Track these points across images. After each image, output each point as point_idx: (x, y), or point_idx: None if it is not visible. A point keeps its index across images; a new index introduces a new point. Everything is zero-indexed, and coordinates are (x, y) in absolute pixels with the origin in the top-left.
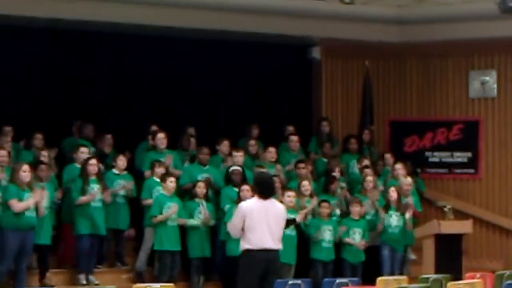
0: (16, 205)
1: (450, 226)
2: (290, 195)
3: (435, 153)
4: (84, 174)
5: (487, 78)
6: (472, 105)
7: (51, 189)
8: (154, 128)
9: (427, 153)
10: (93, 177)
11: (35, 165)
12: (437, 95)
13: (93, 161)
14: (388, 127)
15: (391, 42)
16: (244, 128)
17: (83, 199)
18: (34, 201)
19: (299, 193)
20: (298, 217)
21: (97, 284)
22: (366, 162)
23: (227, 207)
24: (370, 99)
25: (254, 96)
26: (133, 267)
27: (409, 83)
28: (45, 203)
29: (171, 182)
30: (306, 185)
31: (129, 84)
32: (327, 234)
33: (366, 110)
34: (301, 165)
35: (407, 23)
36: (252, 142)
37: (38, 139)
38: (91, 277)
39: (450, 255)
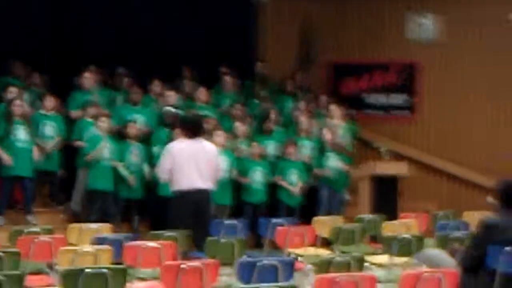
0: None
1: (386, 167)
2: (220, 135)
3: (372, 95)
4: (8, 115)
5: (424, 21)
6: (409, 47)
7: None
8: (86, 67)
9: (364, 95)
10: (18, 118)
11: None
12: (375, 37)
13: (18, 102)
14: (326, 69)
15: None
16: (179, 68)
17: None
18: None
19: (233, 134)
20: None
21: (34, 224)
22: (301, 104)
23: (157, 148)
24: (310, 40)
25: (193, 36)
26: (67, 207)
27: (348, 25)
28: None
29: (103, 122)
30: (239, 126)
31: (63, 21)
32: (257, 175)
33: (307, 52)
34: (238, 106)
35: None
36: (186, 82)
37: None
38: (29, 217)
39: (386, 196)
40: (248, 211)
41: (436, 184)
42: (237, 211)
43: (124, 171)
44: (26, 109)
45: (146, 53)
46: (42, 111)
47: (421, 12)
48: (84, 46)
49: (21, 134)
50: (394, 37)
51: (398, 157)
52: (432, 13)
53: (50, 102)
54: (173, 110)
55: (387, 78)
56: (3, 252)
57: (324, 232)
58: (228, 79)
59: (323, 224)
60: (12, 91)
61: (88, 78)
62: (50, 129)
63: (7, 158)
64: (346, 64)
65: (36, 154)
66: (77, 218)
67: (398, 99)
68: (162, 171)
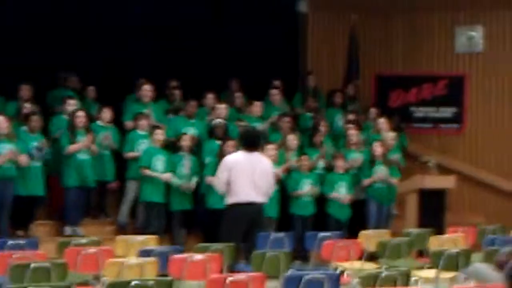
0: None
1: (434, 181)
2: (272, 148)
3: (420, 108)
4: (71, 126)
5: (473, 33)
6: (458, 60)
7: (42, 140)
8: (141, 80)
9: (412, 108)
10: (80, 129)
11: (25, 116)
12: (423, 50)
13: (81, 113)
14: (373, 82)
15: None
16: (228, 81)
17: (73, 147)
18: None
19: (284, 147)
20: (277, 171)
21: (83, 236)
22: (350, 116)
23: (208, 160)
24: (356, 53)
25: (241, 49)
26: (116, 219)
27: (395, 38)
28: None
29: (159, 135)
30: (292, 139)
31: (117, 35)
32: (307, 188)
33: (352, 64)
34: (285, 119)
35: None
36: (237, 94)
37: (24, 90)
38: (77, 229)
39: (433, 210)
40: (297, 224)
41: (484, 198)
42: (285, 224)
43: (176, 181)
44: (87, 121)
45: (197, 66)
46: (100, 123)
47: (470, 25)
48: (135, 59)
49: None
50: (442, 49)
51: (446, 170)
52: (480, 25)
53: (107, 114)
54: (223, 122)
55: (435, 90)
56: (51, 263)
57: (371, 246)
58: (276, 92)
59: (370, 238)
60: (71, 103)
61: (147, 91)
62: (110, 139)
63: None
64: (394, 76)
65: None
66: (123, 230)
67: (446, 112)
68: (220, 183)
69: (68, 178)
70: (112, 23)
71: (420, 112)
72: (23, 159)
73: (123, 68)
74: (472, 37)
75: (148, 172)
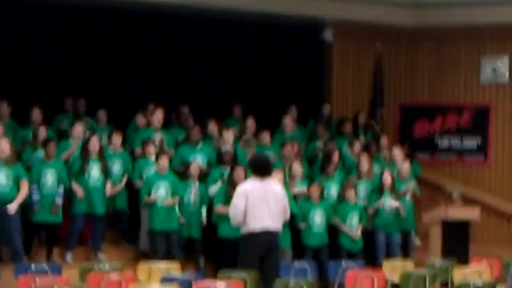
0: None
1: (458, 212)
2: (277, 172)
3: (445, 138)
4: (85, 153)
5: (499, 64)
6: (483, 90)
7: (61, 166)
8: (151, 106)
9: (437, 138)
10: (93, 156)
11: (45, 143)
12: (448, 80)
13: (95, 139)
14: (398, 111)
15: (403, 25)
16: (247, 107)
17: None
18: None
19: (289, 174)
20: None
21: (104, 262)
22: (358, 145)
23: (215, 187)
24: (381, 82)
25: (266, 77)
26: (136, 246)
27: (420, 67)
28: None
29: (163, 160)
30: (296, 167)
31: (125, 60)
32: (317, 218)
33: (376, 93)
34: (288, 146)
35: (419, 6)
36: (250, 123)
37: (36, 114)
38: (99, 254)
39: (457, 241)
40: (308, 254)
41: (509, 230)
42: (296, 254)
43: (176, 209)
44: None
45: (204, 91)
46: (111, 149)
47: (496, 56)
48: (144, 83)
49: (95, 171)
50: (467, 79)
51: (470, 201)
52: (506, 56)
53: (117, 139)
54: (231, 149)
55: (460, 121)
56: None
57: (394, 277)
58: (288, 119)
59: (393, 269)
60: (79, 128)
61: (158, 116)
62: (118, 167)
63: (80, 193)
64: (418, 105)
65: (108, 190)
66: (146, 256)
67: (471, 142)
68: (237, 213)
69: (76, 205)
70: (123, 48)
71: (444, 142)
72: (24, 186)
73: (130, 92)
74: (498, 68)
75: (147, 199)
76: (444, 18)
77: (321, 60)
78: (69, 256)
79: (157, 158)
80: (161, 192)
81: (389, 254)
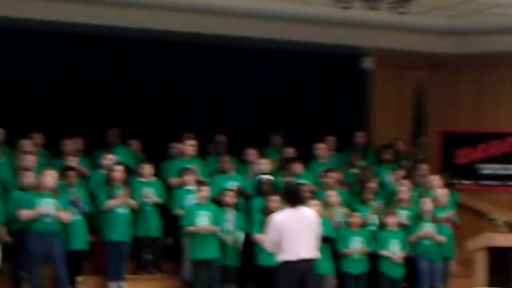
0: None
1: (503, 239)
2: (315, 204)
3: (488, 165)
4: (109, 180)
5: None
6: None
7: (83, 193)
8: (187, 135)
9: (480, 165)
10: (118, 183)
11: (63, 170)
12: (490, 107)
13: (119, 168)
14: (440, 138)
15: (444, 53)
16: (289, 136)
17: (111, 203)
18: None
19: (326, 203)
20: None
21: None
22: (401, 173)
23: (255, 216)
24: (423, 110)
25: (306, 106)
26: (179, 276)
27: (462, 94)
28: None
29: (204, 191)
30: (333, 195)
31: (159, 91)
32: (358, 246)
33: (418, 121)
34: (330, 174)
35: (460, 34)
36: (288, 150)
37: (68, 145)
38: (123, 284)
39: (503, 268)
40: (348, 282)
41: None
42: (337, 283)
43: (222, 236)
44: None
45: (242, 119)
46: (141, 179)
47: None
48: (177, 113)
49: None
50: (509, 105)
51: None
52: None
53: (148, 169)
54: (269, 178)
55: (503, 147)
56: None
57: None
58: (322, 147)
59: None
60: (110, 158)
61: (192, 146)
62: (151, 195)
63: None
64: (460, 133)
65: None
66: (189, 286)
67: None
68: (269, 243)
69: (107, 233)
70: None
71: (488, 169)
72: (64, 215)
73: (165, 122)
74: None
75: (191, 228)
76: (485, 45)
77: (361, 88)
78: (123, 285)
79: (197, 188)
80: (203, 221)
81: (432, 282)
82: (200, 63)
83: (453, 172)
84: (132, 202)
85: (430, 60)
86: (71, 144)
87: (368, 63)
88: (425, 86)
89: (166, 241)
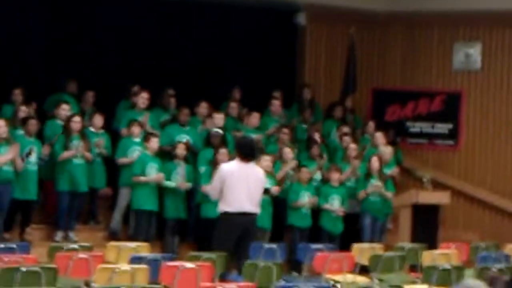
0: None
1: (428, 197)
2: (267, 159)
3: (416, 123)
4: (67, 131)
5: (471, 50)
6: (455, 76)
7: (39, 144)
8: (136, 88)
9: (408, 123)
10: (75, 134)
11: (23, 120)
12: (421, 66)
13: (77, 118)
14: (370, 95)
15: (376, 10)
16: (226, 90)
17: (65, 154)
18: (11, 156)
19: (281, 159)
20: (273, 189)
21: (75, 241)
22: (346, 129)
23: (202, 169)
24: (354, 66)
25: (238, 60)
26: (108, 225)
27: (393, 52)
28: (33, 158)
29: (153, 142)
30: (288, 152)
31: (112, 43)
32: (307, 199)
33: (349, 78)
34: (285, 130)
35: None
36: (233, 104)
37: (18, 94)
38: (71, 234)
39: (427, 225)
40: (294, 235)
41: (479, 215)
42: (278, 235)
43: (169, 183)
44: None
45: (193, 75)
46: (92, 129)
47: (468, 42)
48: (131, 66)
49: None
50: (440, 65)
51: (440, 186)
52: (478, 42)
53: (98, 120)
54: (220, 132)
55: (432, 106)
56: (41, 267)
57: (363, 260)
58: (277, 103)
59: (363, 252)
60: (65, 108)
61: (143, 98)
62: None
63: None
64: (391, 91)
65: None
66: (116, 236)
67: (442, 128)
68: (213, 189)
69: (61, 183)
70: (111, 30)
71: (416, 127)
72: (18, 163)
73: (119, 74)
74: (470, 54)
75: (141, 178)
76: (418, 4)
77: (293, 44)
78: (71, 235)
79: (145, 139)
80: (151, 173)
81: (372, 239)
82: (146, 17)
83: (382, 130)
84: (88, 155)
85: (362, 17)
86: (20, 93)
87: (301, 19)
88: (356, 43)
89: (107, 192)
